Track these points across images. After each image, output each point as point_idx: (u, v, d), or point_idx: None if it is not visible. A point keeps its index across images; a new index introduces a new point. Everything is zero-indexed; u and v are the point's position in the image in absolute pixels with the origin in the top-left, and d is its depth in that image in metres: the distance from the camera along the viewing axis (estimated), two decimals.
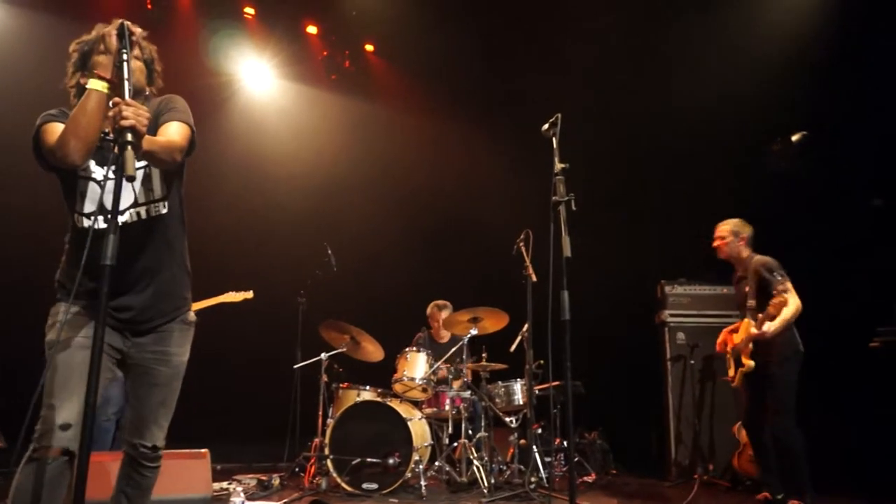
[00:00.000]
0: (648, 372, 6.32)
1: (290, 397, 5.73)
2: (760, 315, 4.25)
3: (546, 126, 3.38)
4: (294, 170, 7.57)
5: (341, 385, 5.32)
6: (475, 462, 4.95)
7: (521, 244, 5.22)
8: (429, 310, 6.26)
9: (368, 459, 4.78)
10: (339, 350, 5.46)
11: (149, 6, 6.79)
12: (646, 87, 6.69)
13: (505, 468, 5.19)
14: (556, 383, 5.59)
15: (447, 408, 5.26)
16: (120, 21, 2.17)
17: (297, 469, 5.38)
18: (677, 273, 6.23)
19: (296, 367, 5.68)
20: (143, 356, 2.39)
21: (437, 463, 5.11)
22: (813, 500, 4.12)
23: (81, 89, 2.20)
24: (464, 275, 7.30)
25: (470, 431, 5.18)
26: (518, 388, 5.41)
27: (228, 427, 6.23)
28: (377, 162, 7.66)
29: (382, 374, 5.54)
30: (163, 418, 2.42)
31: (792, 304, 4.22)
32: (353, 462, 4.78)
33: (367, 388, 5.22)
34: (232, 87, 7.61)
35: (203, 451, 3.55)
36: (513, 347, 5.44)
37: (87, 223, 2.29)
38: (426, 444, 5.09)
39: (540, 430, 5.44)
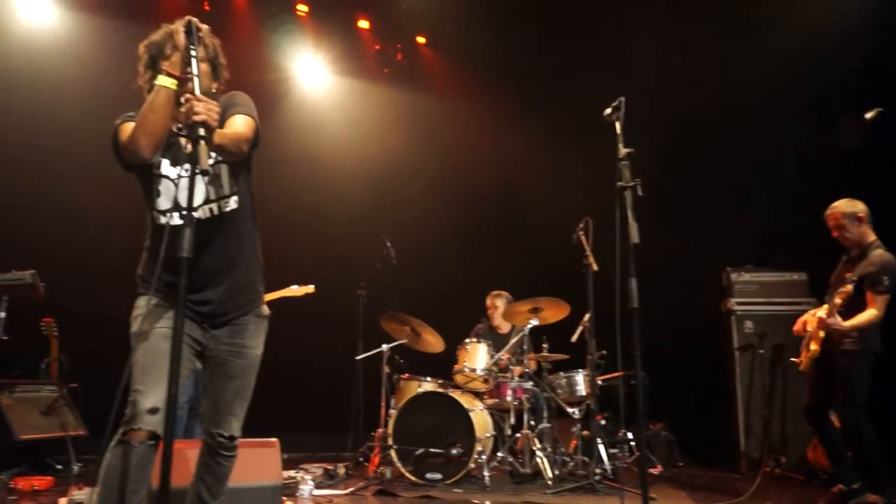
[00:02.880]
0: (715, 362, 6.14)
1: (352, 388, 5.80)
2: (837, 301, 4.03)
3: (609, 110, 3.26)
4: (351, 164, 7.65)
5: (402, 376, 5.36)
6: (538, 453, 4.90)
7: (581, 233, 5.14)
8: (487, 300, 6.24)
9: (431, 450, 4.81)
10: (400, 341, 5.49)
11: (206, 7, 6.97)
12: (707, 68, 6.48)
13: (569, 459, 5.13)
14: (620, 374, 5.50)
15: (509, 398, 5.22)
16: (187, 18, 2.23)
17: (361, 459, 5.45)
18: (744, 259, 6.02)
19: (358, 358, 5.75)
20: (219, 348, 2.45)
21: (499, 454, 5.09)
22: (893, 495, 3.93)
23: (153, 88, 2.25)
24: (523, 265, 7.22)
25: (532, 422, 5.14)
26: (580, 379, 5.33)
27: (293, 417, 6.34)
28: (433, 153, 7.67)
29: (443, 365, 5.55)
30: (238, 409, 2.47)
31: (871, 312, 3.96)
32: (417, 452, 4.81)
33: (429, 379, 5.24)
34: (288, 84, 7.75)
35: (273, 439, 3.61)
36: (574, 337, 5.38)
37: (163, 220, 2.35)
38: (488, 435, 5.07)
39: (604, 422, 5.35)
